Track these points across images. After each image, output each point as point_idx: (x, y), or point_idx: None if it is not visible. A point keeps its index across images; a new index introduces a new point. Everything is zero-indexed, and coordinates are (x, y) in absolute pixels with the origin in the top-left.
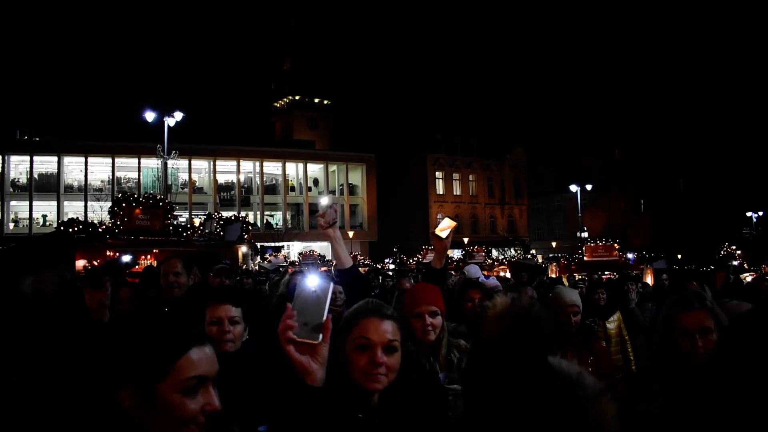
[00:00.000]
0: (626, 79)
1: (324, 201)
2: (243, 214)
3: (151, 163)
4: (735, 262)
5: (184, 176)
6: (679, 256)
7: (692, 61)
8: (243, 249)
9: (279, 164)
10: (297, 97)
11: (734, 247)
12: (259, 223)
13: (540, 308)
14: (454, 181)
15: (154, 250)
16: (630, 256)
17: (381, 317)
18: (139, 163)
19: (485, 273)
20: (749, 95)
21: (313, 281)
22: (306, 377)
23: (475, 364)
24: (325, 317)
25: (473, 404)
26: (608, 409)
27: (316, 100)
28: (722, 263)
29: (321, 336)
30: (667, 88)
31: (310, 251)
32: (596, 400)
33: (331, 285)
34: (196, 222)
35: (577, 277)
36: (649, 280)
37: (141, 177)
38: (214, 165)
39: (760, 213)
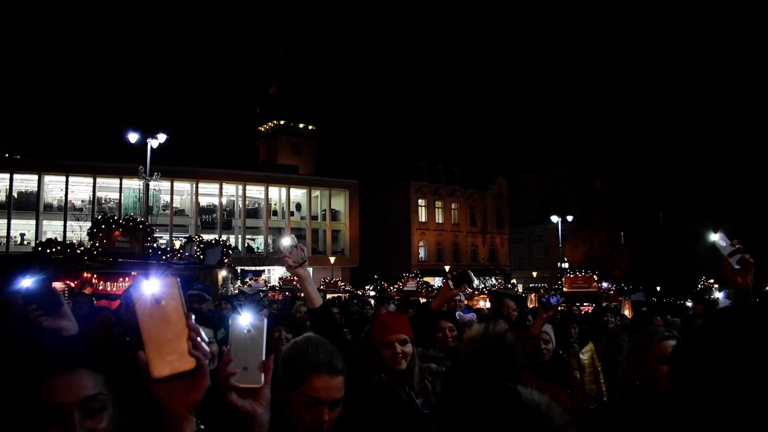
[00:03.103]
0: (607, 112)
1: (286, 242)
2: (224, 237)
3: (133, 184)
4: (719, 294)
5: (165, 198)
6: (658, 289)
7: (669, 96)
8: (223, 273)
9: (262, 188)
10: (282, 122)
11: (711, 281)
12: (240, 247)
13: (512, 337)
14: (436, 209)
15: (133, 273)
16: (605, 285)
17: (331, 374)
18: (120, 183)
19: (465, 302)
20: (724, 132)
21: (245, 320)
22: (252, 423)
23: (449, 387)
24: (264, 357)
25: (445, 427)
26: None
27: (301, 126)
28: (700, 296)
29: (263, 377)
30: (647, 122)
31: (290, 276)
32: (562, 430)
33: (266, 322)
34: (177, 245)
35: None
36: (627, 312)
37: (122, 197)
38: (197, 187)
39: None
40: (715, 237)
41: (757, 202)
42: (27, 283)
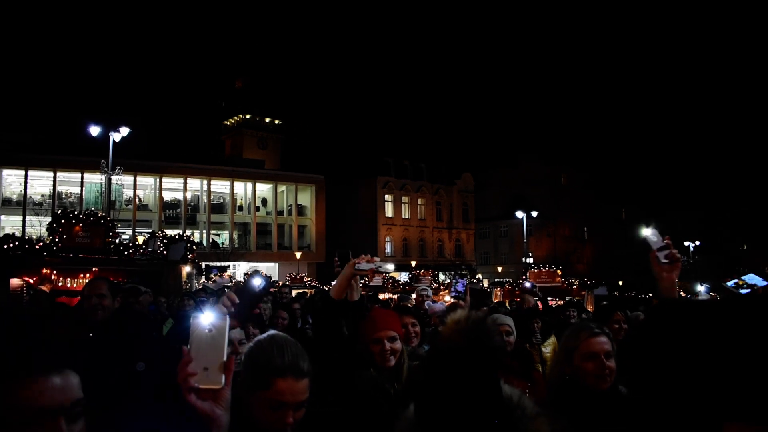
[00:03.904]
0: (573, 109)
1: (389, 267)
2: (189, 232)
3: (95, 179)
4: (701, 288)
5: (128, 192)
6: (620, 283)
7: (632, 95)
8: (187, 269)
9: (227, 183)
10: (248, 116)
11: None
12: (205, 242)
13: (492, 322)
14: (403, 205)
15: (94, 269)
16: (527, 284)
17: (297, 377)
18: (82, 178)
19: (433, 298)
20: (685, 130)
21: (207, 319)
22: (211, 424)
23: (430, 373)
24: (225, 357)
25: (426, 412)
26: (544, 431)
27: (267, 120)
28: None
29: (223, 378)
30: (611, 121)
31: (254, 271)
32: (533, 420)
33: (228, 320)
34: (140, 240)
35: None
36: (589, 306)
37: (84, 192)
38: (160, 182)
39: (697, 243)
40: (646, 232)
41: (718, 198)
42: None
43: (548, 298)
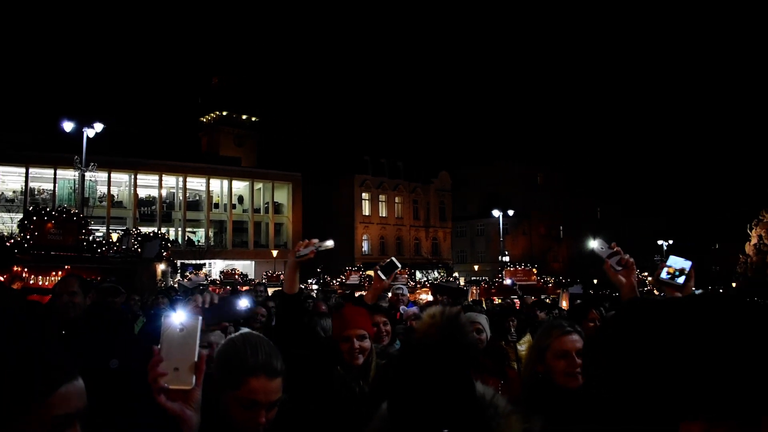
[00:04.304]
0: (549, 109)
1: (328, 243)
2: (164, 230)
3: (68, 175)
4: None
5: (102, 189)
6: (595, 281)
7: (607, 95)
8: (161, 266)
9: (203, 180)
10: (224, 113)
11: (645, 274)
12: (180, 240)
13: (466, 319)
14: (380, 203)
15: (66, 267)
16: (509, 281)
17: (270, 376)
18: (54, 174)
19: (410, 297)
20: (663, 130)
21: (178, 318)
22: (181, 426)
23: (403, 368)
24: (196, 357)
25: (398, 408)
26: (515, 429)
27: (244, 117)
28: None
29: (194, 379)
30: (587, 121)
31: (232, 269)
32: (506, 419)
33: (200, 320)
34: (114, 237)
35: (496, 300)
36: (564, 304)
37: (56, 189)
38: (135, 178)
39: (670, 242)
40: (593, 244)
41: (690, 197)
42: None
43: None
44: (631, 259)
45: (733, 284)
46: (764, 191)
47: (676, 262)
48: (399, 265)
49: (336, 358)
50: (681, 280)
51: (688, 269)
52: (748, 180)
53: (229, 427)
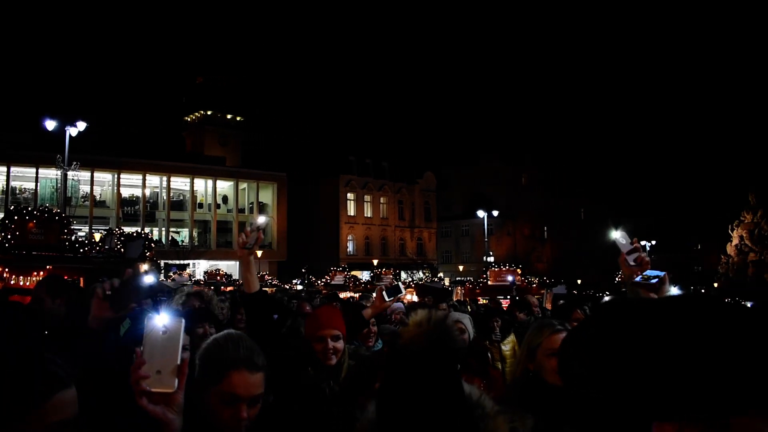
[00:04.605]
0: (533, 109)
1: (260, 219)
2: (147, 230)
3: (50, 174)
4: (674, 289)
5: (85, 188)
6: (579, 282)
7: (591, 96)
8: (144, 267)
9: (187, 180)
10: (209, 112)
11: None
12: (164, 240)
13: (452, 321)
14: (365, 203)
15: (48, 267)
16: (510, 278)
17: (250, 370)
18: (36, 173)
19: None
20: (648, 131)
21: (162, 320)
22: (164, 429)
23: (391, 374)
24: (179, 360)
25: (388, 415)
26: (503, 429)
27: (229, 116)
28: (617, 289)
29: (176, 382)
30: (572, 122)
31: (216, 270)
32: (493, 419)
33: (183, 323)
34: (97, 237)
35: (480, 301)
36: (548, 304)
37: (38, 188)
38: (118, 178)
39: (653, 242)
40: (615, 235)
41: (672, 199)
42: None
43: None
44: (647, 258)
45: (715, 284)
46: (746, 192)
47: (651, 272)
48: (403, 291)
49: (308, 359)
50: (654, 281)
51: (662, 276)
52: (730, 181)
53: (211, 426)
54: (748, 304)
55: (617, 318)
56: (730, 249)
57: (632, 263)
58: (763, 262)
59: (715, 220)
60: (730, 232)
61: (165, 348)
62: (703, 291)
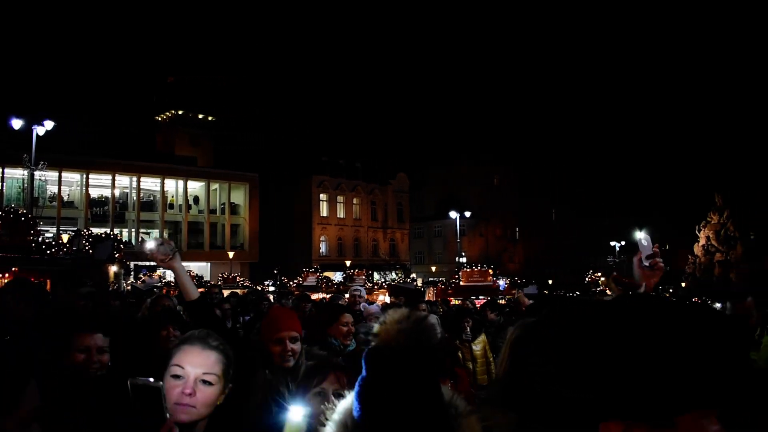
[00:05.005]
0: (505, 112)
1: (149, 245)
2: (117, 231)
3: (17, 174)
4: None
5: (53, 189)
6: (550, 282)
7: (561, 98)
8: (114, 268)
9: (158, 180)
10: (180, 112)
11: (599, 274)
12: (134, 241)
13: (431, 320)
14: (338, 204)
15: (14, 269)
16: (501, 282)
17: (204, 347)
18: (2, 172)
19: (367, 298)
20: (618, 131)
21: None
22: None
23: (369, 374)
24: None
25: (367, 415)
26: (475, 428)
27: (200, 116)
28: (587, 289)
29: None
30: (542, 123)
31: (187, 271)
32: (466, 419)
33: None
34: (65, 238)
35: (452, 301)
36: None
37: (5, 188)
38: (87, 178)
39: (623, 243)
40: (639, 235)
41: (640, 200)
42: None
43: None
44: (662, 264)
45: (683, 284)
46: (712, 194)
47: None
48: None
49: (264, 361)
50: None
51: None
52: (697, 182)
53: (168, 409)
54: (717, 305)
55: (570, 318)
56: (698, 249)
57: (645, 263)
58: (729, 262)
59: (683, 221)
60: (697, 232)
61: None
62: (671, 290)
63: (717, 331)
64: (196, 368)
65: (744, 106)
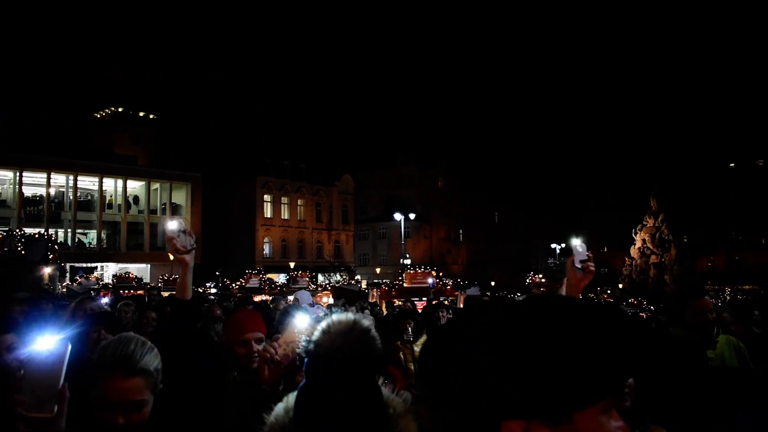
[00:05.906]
0: (448, 115)
1: (172, 225)
2: (52, 231)
3: None
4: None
5: None
6: (492, 283)
7: (504, 102)
8: (48, 270)
9: (96, 179)
10: (120, 109)
11: (540, 276)
12: (70, 242)
13: (375, 330)
14: (282, 205)
15: None
16: (430, 281)
17: (126, 374)
18: None
19: (313, 299)
20: (557, 134)
21: (46, 343)
22: None
23: (311, 379)
24: (60, 385)
25: (306, 418)
26: (411, 427)
27: (141, 114)
28: (528, 290)
29: (56, 408)
30: (485, 126)
31: (126, 273)
32: (402, 418)
33: (69, 347)
34: None
35: (396, 302)
36: (461, 305)
37: None
38: (21, 176)
39: (563, 245)
40: (575, 242)
41: (579, 203)
42: None
43: (422, 299)
44: (593, 268)
45: (620, 285)
46: (649, 197)
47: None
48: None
49: (231, 363)
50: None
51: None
52: (634, 186)
53: None
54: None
55: (480, 317)
56: (634, 252)
57: (577, 265)
58: (663, 264)
59: (621, 224)
60: (633, 235)
61: (47, 373)
62: (608, 292)
63: (608, 326)
64: (120, 398)
65: (679, 115)
